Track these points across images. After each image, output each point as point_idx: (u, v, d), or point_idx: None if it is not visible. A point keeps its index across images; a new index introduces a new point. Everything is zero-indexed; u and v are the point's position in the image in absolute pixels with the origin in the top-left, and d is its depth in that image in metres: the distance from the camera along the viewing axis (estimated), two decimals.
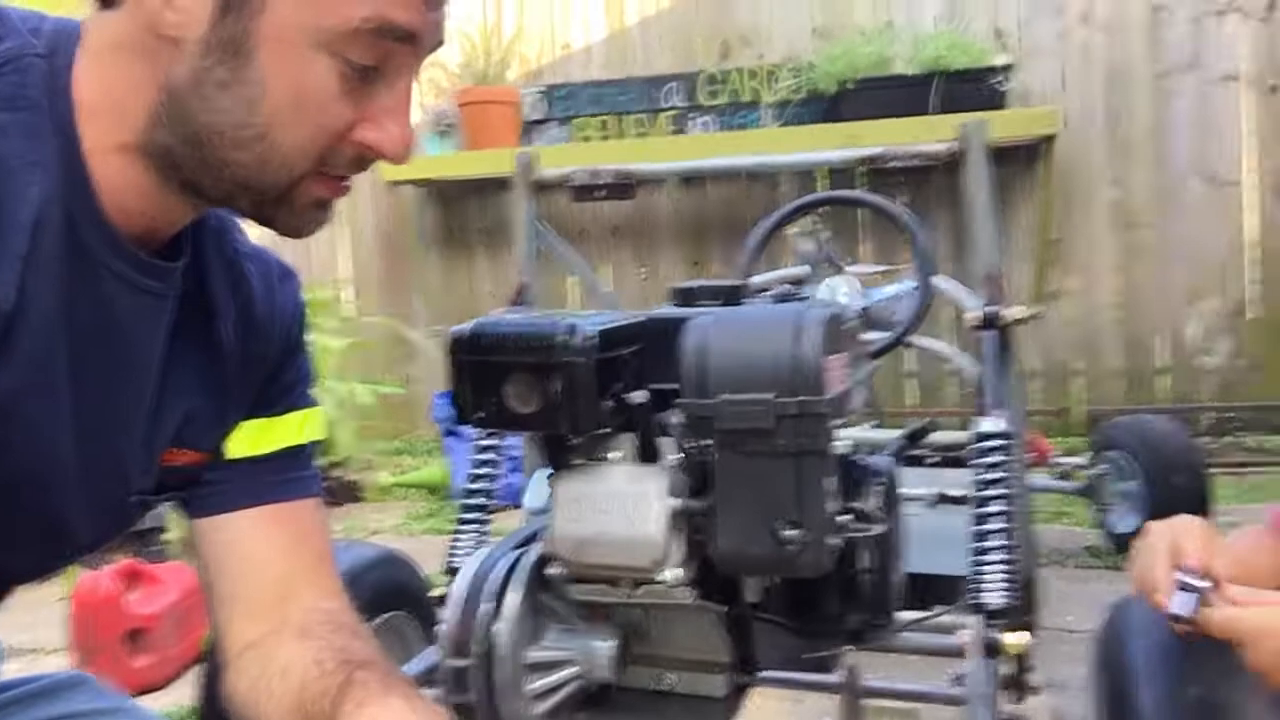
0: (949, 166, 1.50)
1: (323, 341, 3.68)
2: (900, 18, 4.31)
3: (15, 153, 0.69)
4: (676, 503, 0.91)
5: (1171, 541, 1.03)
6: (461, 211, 4.83)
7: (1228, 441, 3.92)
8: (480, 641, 0.96)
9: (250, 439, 0.88)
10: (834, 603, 1.01)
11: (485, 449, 1.39)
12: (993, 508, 1.18)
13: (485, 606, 0.98)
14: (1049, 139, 4.00)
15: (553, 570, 0.96)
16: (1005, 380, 1.28)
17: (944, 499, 2.38)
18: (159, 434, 0.82)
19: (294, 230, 0.77)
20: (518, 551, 1.02)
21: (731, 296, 1.08)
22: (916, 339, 2.74)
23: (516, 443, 2.08)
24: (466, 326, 0.93)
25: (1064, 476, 2.77)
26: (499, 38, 4.67)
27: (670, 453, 0.94)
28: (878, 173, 1.74)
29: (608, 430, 0.95)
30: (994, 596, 1.13)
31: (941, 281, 2.10)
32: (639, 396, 0.92)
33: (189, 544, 0.90)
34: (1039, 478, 2.79)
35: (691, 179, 4.44)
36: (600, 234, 4.68)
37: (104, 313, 0.75)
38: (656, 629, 1.02)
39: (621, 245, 4.69)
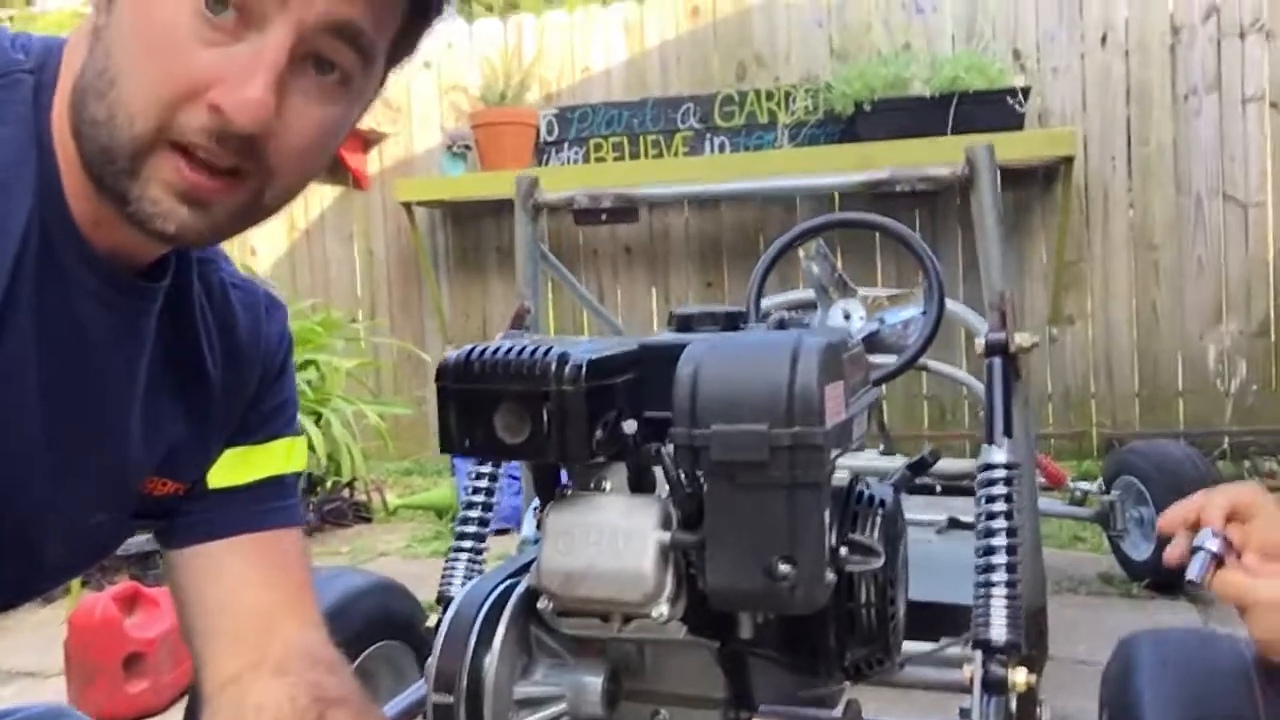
0: (964, 188, 1.48)
1: (333, 361, 3.68)
2: (918, 40, 4.30)
3: (4, 166, 0.69)
4: (668, 536, 0.88)
5: (1207, 500, 1.02)
6: (476, 233, 4.84)
7: (1247, 466, 3.86)
8: (467, 676, 0.94)
9: (232, 468, 0.86)
10: (832, 638, 0.98)
11: (481, 475, 1.37)
12: (997, 540, 1.15)
13: (473, 640, 0.95)
14: (1067, 160, 3.97)
15: (542, 604, 0.94)
16: (1012, 408, 1.25)
17: (954, 524, 2.35)
18: (141, 463, 0.81)
19: (146, 216, 0.69)
20: (509, 582, 1.00)
21: (731, 323, 1.06)
22: (930, 362, 2.72)
23: (517, 464, 2.06)
24: (454, 354, 0.92)
25: (1078, 502, 2.73)
26: (519, 60, 4.69)
27: (663, 483, 0.91)
28: (890, 194, 1.71)
29: (599, 460, 0.93)
30: (998, 632, 1.09)
31: (952, 305, 2.07)
32: (630, 426, 0.90)
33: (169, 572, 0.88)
34: (1052, 503, 2.75)
35: (706, 199, 4.43)
36: (613, 253, 4.68)
37: (78, 331, 0.74)
38: (649, 664, 0.99)
39: (635, 265, 4.68)
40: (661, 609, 0.89)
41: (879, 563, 0.98)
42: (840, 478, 1.00)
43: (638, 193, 1.70)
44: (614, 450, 0.92)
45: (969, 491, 1.38)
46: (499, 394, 0.89)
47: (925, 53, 4.19)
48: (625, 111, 4.65)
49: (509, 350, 0.92)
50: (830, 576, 0.88)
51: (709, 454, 0.85)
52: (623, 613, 0.91)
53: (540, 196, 1.72)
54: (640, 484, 0.94)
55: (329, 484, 3.66)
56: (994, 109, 3.93)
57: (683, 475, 0.89)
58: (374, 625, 1.33)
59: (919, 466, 1.13)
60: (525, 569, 1.02)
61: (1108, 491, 2.66)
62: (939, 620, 1.51)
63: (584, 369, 0.88)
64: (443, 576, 1.34)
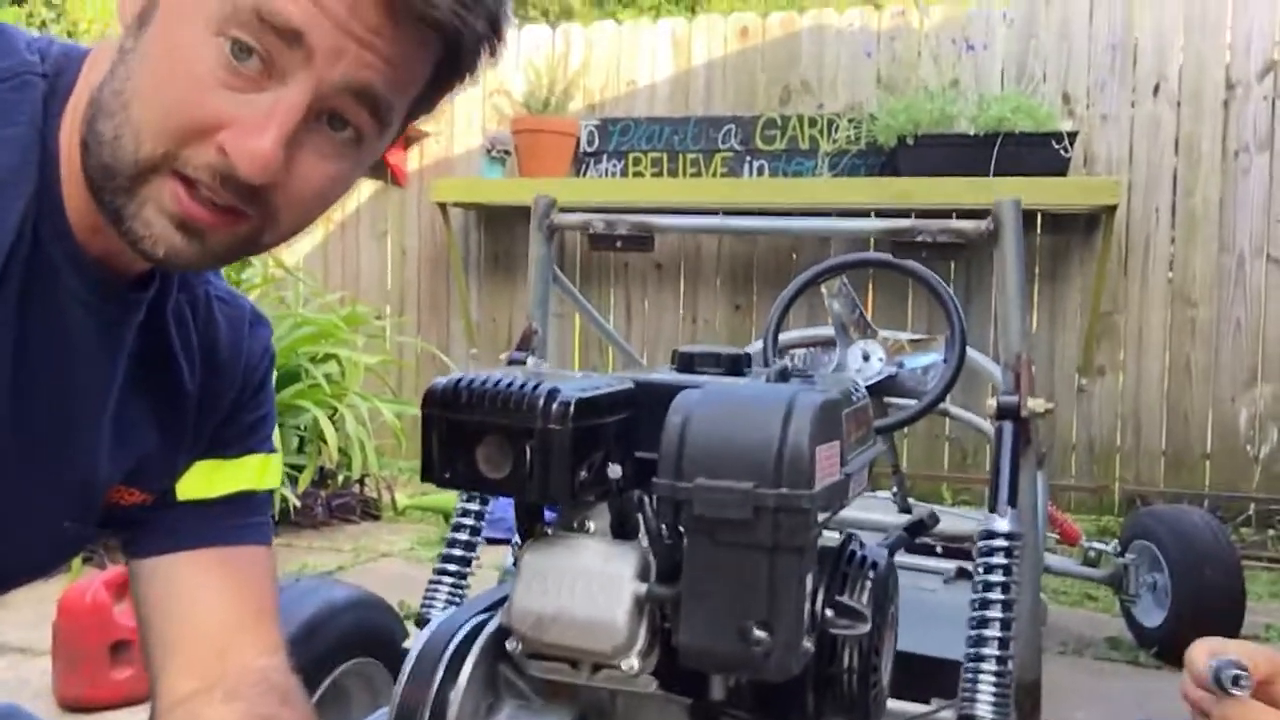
0: (989, 243, 1.44)
1: (353, 357, 3.68)
2: (967, 77, 4.25)
3: (5, 166, 0.68)
4: (644, 588, 0.86)
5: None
6: (509, 238, 4.83)
7: (1271, 534, 3.78)
8: (430, 710, 0.91)
9: (202, 481, 0.85)
10: (810, 703, 0.95)
11: (470, 501, 1.35)
12: (992, 612, 1.11)
13: (440, 673, 0.93)
14: (1109, 209, 3.91)
15: (511, 644, 0.91)
16: (1020, 476, 1.21)
17: (962, 574, 2.30)
18: (109, 471, 0.79)
19: (137, 237, 0.69)
20: (484, 616, 0.97)
21: (734, 366, 1.03)
22: (951, 408, 2.67)
23: None
24: (443, 381, 0.89)
25: (1091, 562, 2.67)
26: (565, 69, 4.69)
27: (645, 530, 0.89)
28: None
29: (583, 500, 0.90)
30: (984, 709, 1.06)
31: (974, 355, 2.03)
32: (615, 471, 0.87)
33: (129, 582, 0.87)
34: (1065, 561, 2.69)
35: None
36: (644, 270, 4.65)
37: (60, 335, 0.73)
38: (619, 712, 0.96)
39: (665, 283, 4.66)
40: (632, 661, 0.87)
41: (866, 628, 0.94)
42: (832, 536, 0.97)
43: (654, 222, 1.68)
44: (598, 492, 0.90)
45: (969, 555, 1.35)
46: (483, 426, 0.86)
47: (973, 90, 4.15)
48: (667, 127, 4.63)
49: (498, 382, 0.89)
50: (808, 645, 0.85)
51: (691, 508, 0.82)
52: (593, 661, 0.89)
53: (556, 218, 1.70)
54: (624, 527, 0.91)
55: (340, 479, 3.66)
56: (1039, 152, 3.88)
57: (664, 527, 0.86)
58: (351, 641, 1.31)
59: (917, 529, 1.10)
60: (501, 603, 1.00)
61: (1123, 554, 2.60)
62: (932, 676, 1.47)
63: (572, 407, 0.85)
64: (424, 597, 1.31)
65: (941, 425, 4.21)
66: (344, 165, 0.73)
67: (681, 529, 0.85)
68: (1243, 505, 3.92)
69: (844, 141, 4.34)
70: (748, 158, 4.55)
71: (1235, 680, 0.84)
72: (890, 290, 4.28)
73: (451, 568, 1.32)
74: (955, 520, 2.17)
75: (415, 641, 0.97)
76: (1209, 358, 4.07)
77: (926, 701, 1.45)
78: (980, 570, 1.16)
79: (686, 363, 1.04)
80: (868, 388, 1.23)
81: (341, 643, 1.30)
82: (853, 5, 4.71)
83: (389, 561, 3.21)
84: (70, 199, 0.72)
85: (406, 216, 4.98)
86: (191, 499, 0.84)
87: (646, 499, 0.88)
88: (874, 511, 2.30)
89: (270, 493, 0.90)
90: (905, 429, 3.61)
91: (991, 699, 1.07)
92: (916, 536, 1.07)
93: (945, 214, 3.95)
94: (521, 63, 4.72)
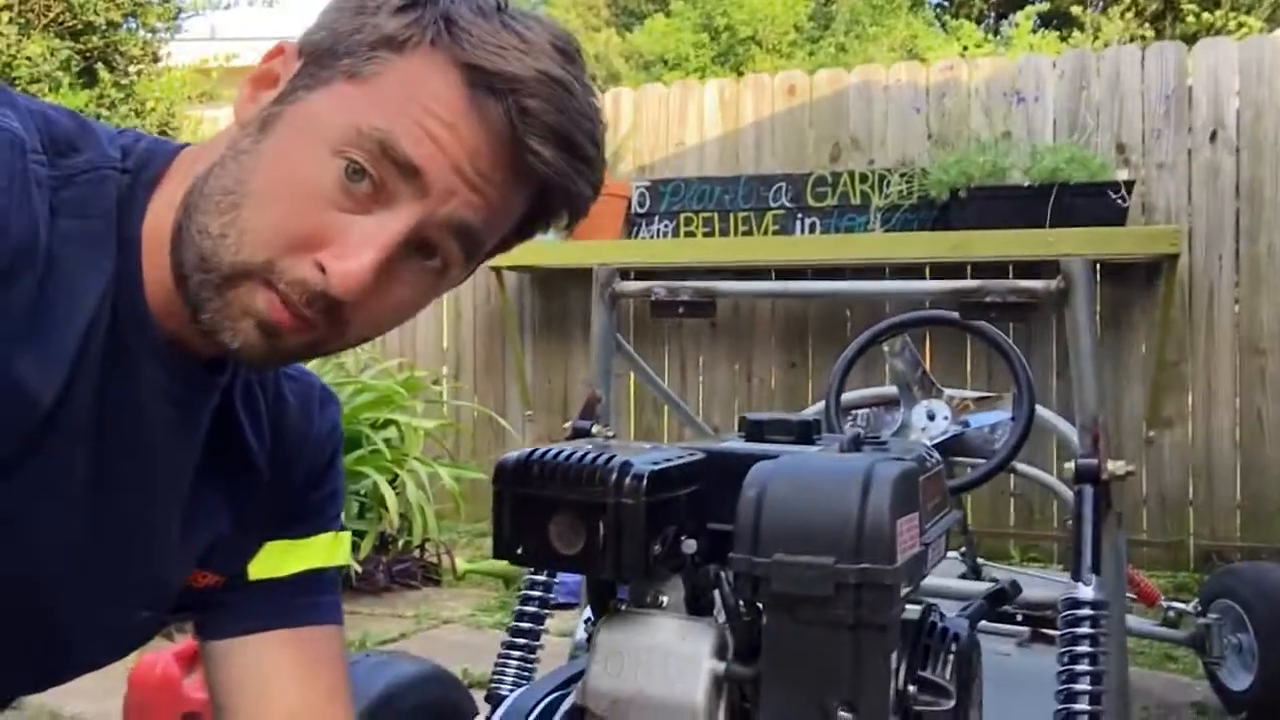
0: (1058, 302, 1.41)
1: (413, 423, 3.71)
2: (1018, 129, 4.23)
3: (77, 258, 0.70)
4: (722, 667, 0.84)
5: None
6: (563, 300, 4.86)
7: None
8: None
9: (273, 561, 0.85)
10: None
11: (536, 576, 1.34)
12: (1079, 685, 1.07)
13: None
14: (1171, 258, 3.84)
15: None
16: (1103, 540, 1.17)
17: (1037, 638, 2.24)
18: (186, 556, 0.79)
19: (218, 328, 0.71)
20: (556, 695, 0.96)
21: (804, 433, 1.02)
22: (1018, 465, 2.61)
23: None
24: (513, 455, 0.89)
25: (1171, 623, 2.58)
26: (615, 132, 4.74)
27: (722, 607, 0.87)
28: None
29: (657, 575, 0.88)
30: None
31: (1043, 412, 1.99)
32: (690, 546, 0.86)
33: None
34: (1143, 622, 2.61)
35: (793, 279, 4.39)
36: (697, 329, 4.65)
37: (135, 420, 0.74)
38: None
39: (719, 341, 4.65)
40: None
41: (950, 704, 0.91)
42: (912, 608, 0.95)
43: (717, 287, 1.67)
44: (672, 566, 0.88)
45: (1052, 622, 1.30)
46: (555, 501, 0.86)
47: (1025, 142, 4.13)
48: (718, 187, 4.65)
49: (569, 455, 0.88)
50: None
51: (769, 584, 0.80)
52: None
53: (618, 286, 1.70)
54: (698, 602, 0.90)
55: (400, 544, 3.66)
56: (1095, 202, 3.83)
57: (741, 603, 0.84)
58: (423, 717, 1.30)
59: (998, 598, 1.07)
60: (573, 680, 0.98)
61: (1204, 614, 2.52)
62: None
63: (645, 481, 0.84)
64: (493, 673, 1.30)
65: (1007, 482, 4.13)
66: (423, 293, 0.76)
67: (759, 605, 0.83)
68: None
69: (896, 196, 4.32)
70: (799, 215, 4.55)
71: None
72: (949, 347, 4.23)
73: (520, 641, 1.31)
74: (1034, 585, 2.11)
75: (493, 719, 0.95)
76: None
77: None
78: (1066, 640, 1.12)
79: (756, 431, 1.02)
80: (934, 448, 1.21)
81: (414, 718, 1.28)
82: (898, 60, 4.72)
83: (450, 628, 3.20)
84: (150, 283, 0.73)
85: None
86: (263, 579, 0.84)
87: (722, 574, 0.87)
88: (943, 573, 2.25)
89: (340, 570, 0.90)
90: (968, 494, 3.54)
91: None
92: (998, 606, 1.04)
93: (1001, 266, 3.92)
94: None
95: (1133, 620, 2.58)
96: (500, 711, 0.95)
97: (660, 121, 4.87)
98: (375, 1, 0.71)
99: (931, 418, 1.96)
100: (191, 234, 0.69)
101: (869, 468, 0.83)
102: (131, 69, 5.06)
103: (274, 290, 0.69)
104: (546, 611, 1.32)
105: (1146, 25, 10.47)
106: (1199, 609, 2.54)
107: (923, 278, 4.11)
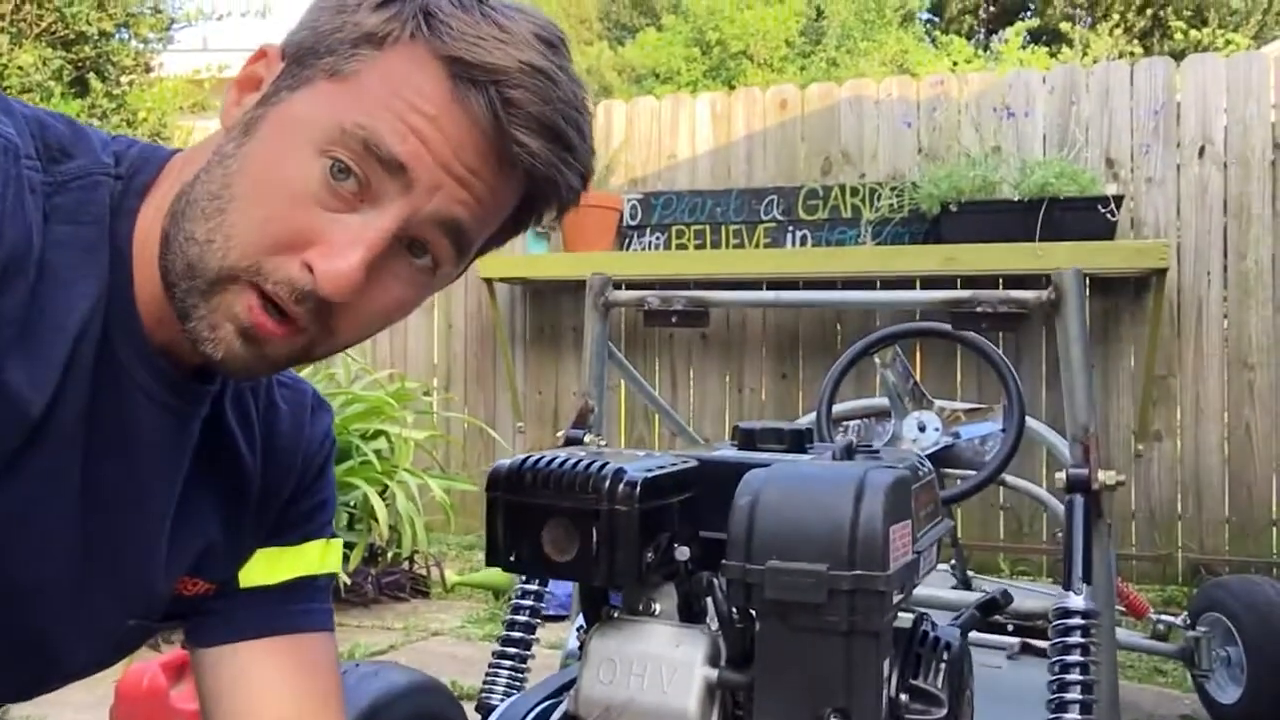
0: (1049, 313, 1.42)
1: (403, 434, 3.70)
2: (1008, 144, 4.25)
3: (69, 264, 0.69)
4: (715, 673, 0.84)
5: None
6: (554, 311, 4.86)
7: None
8: None
9: (264, 568, 0.84)
10: None
11: (528, 584, 1.33)
12: (1070, 694, 1.07)
13: None
14: (1160, 272, 3.86)
15: None
16: (1093, 550, 1.18)
17: (1027, 650, 2.24)
18: (176, 563, 0.79)
19: (201, 337, 0.70)
20: (547, 704, 0.96)
21: (796, 442, 1.02)
22: (1008, 477, 2.62)
23: None
24: (507, 463, 0.89)
25: (1160, 636, 2.58)
26: (607, 144, 4.75)
27: (715, 613, 0.87)
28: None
29: (650, 582, 0.88)
30: None
31: (1033, 424, 2.00)
32: (683, 553, 0.86)
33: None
34: (1133, 635, 2.61)
35: (784, 290, 4.41)
36: (689, 339, 4.66)
37: (126, 429, 0.73)
38: None
39: (709, 353, 4.66)
40: None
41: (942, 713, 0.91)
42: (904, 617, 0.95)
43: (710, 297, 1.67)
44: (665, 573, 0.88)
45: (1042, 633, 1.31)
46: (549, 509, 0.86)
47: (1015, 157, 4.15)
48: (709, 199, 4.67)
49: (562, 463, 0.88)
50: None
51: (762, 591, 0.80)
52: None
53: (612, 295, 1.70)
54: (691, 609, 0.90)
55: (389, 556, 3.65)
56: (1084, 216, 3.86)
57: (734, 610, 0.84)
58: None
59: (989, 607, 1.07)
60: (565, 688, 0.98)
61: (1193, 627, 2.52)
62: None
63: (638, 488, 0.84)
64: (484, 683, 1.29)
65: (996, 495, 4.14)
66: (415, 291, 0.75)
67: (752, 612, 0.83)
68: None
69: (887, 210, 4.34)
70: (790, 228, 4.56)
71: None
72: (939, 358, 4.25)
73: (511, 651, 1.30)
74: (1025, 596, 2.11)
75: None
76: (1270, 421, 3.98)
77: None
78: (1057, 650, 1.12)
79: (748, 439, 1.02)
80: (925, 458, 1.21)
81: None
82: (889, 75, 4.74)
83: (440, 640, 3.18)
84: (141, 291, 0.73)
85: (453, 292, 5.03)
86: (253, 586, 0.84)
87: (715, 581, 0.87)
88: (933, 585, 2.25)
89: (331, 577, 0.89)
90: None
91: None
92: (989, 616, 1.04)
93: (992, 279, 3.93)
94: None
95: (1122, 633, 2.58)
96: (492, 719, 0.95)
97: (652, 134, 4.88)
98: None
99: (922, 429, 1.97)
100: (179, 241, 0.69)
101: (862, 475, 0.84)
102: (123, 79, 5.06)
103: (260, 293, 0.69)
104: (538, 621, 1.32)
105: (1135, 42, 10.55)
106: (1188, 622, 2.55)
107: (913, 291, 4.13)
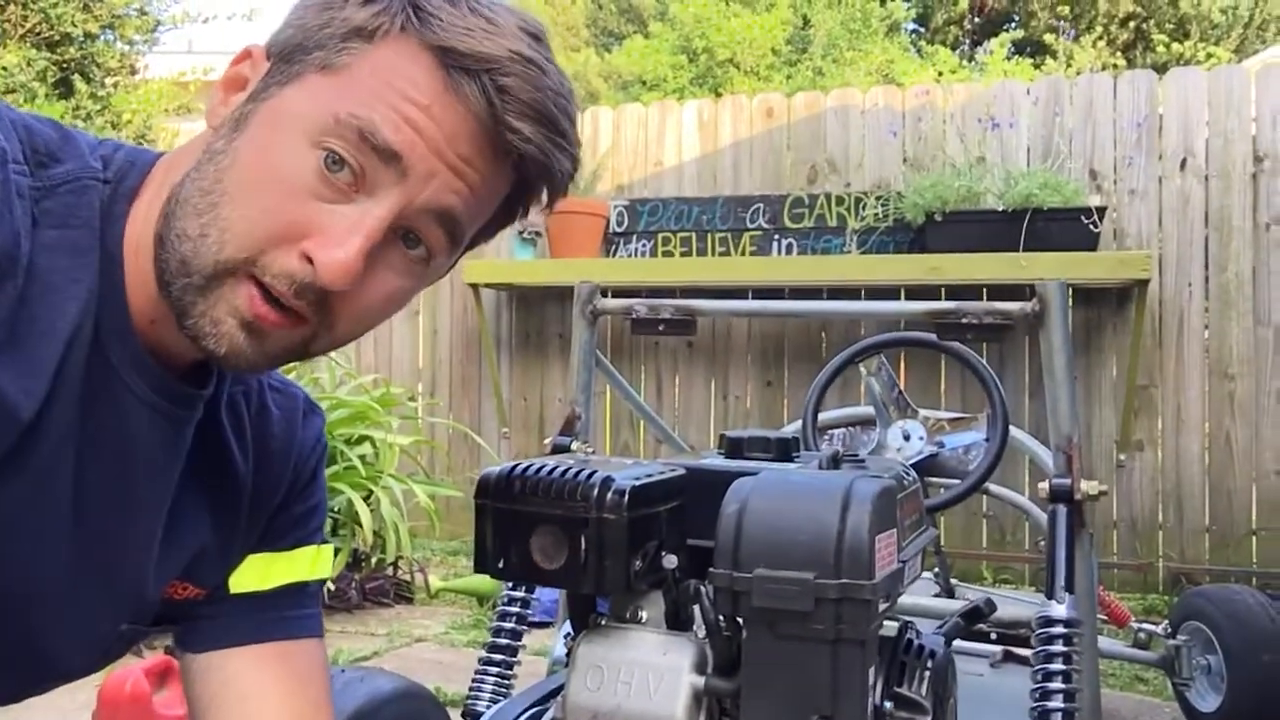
0: (1032, 325, 1.43)
1: (388, 439, 3.69)
2: (993, 154, 4.28)
3: (59, 268, 0.69)
4: (702, 681, 0.84)
5: None
6: (540, 317, 4.86)
7: None
8: None
9: (255, 574, 0.84)
10: None
11: (515, 591, 1.34)
12: (1053, 702, 1.08)
13: None
14: (1141, 283, 3.89)
15: None
16: (1076, 560, 1.19)
17: (1009, 658, 2.25)
18: (166, 568, 0.79)
19: (202, 333, 0.70)
20: (534, 710, 0.96)
21: (783, 451, 1.03)
22: (991, 486, 2.63)
23: None
24: (495, 470, 0.89)
25: (1141, 644, 2.60)
26: (593, 151, 4.76)
27: (702, 621, 0.87)
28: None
29: (637, 590, 0.89)
30: None
31: (1017, 433, 2.01)
32: (670, 561, 0.86)
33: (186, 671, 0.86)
34: (1114, 643, 2.63)
35: (770, 299, 4.42)
36: (675, 347, 4.67)
37: (119, 434, 0.73)
38: None
39: (695, 360, 4.67)
40: None
41: None
42: (889, 625, 0.95)
43: (697, 306, 1.68)
44: (652, 581, 0.89)
45: (1025, 641, 1.31)
46: (538, 516, 0.86)
47: (999, 167, 4.17)
48: (695, 207, 4.68)
49: (551, 470, 0.89)
50: None
51: (750, 599, 0.81)
52: None
53: (599, 303, 1.70)
54: (678, 617, 0.90)
55: (373, 561, 3.64)
56: (1068, 227, 3.89)
57: (721, 618, 0.84)
58: None
59: (973, 616, 1.08)
60: (552, 695, 0.98)
61: (1174, 635, 2.54)
62: None
63: (626, 496, 0.85)
64: (470, 689, 1.29)
65: (979, 504, 4.16)
66: (410, 281, 0.75)
67: (739, 620, 0.83)
68: None
69: (872, 219, 4.36)
70: (776, 236, 4.58)
71: None
72: (924, 368, 4.27)
73: (498, 657, 1.30)
74: (1008, 605, 2.13)
75: None
76: (1249, 431, 4.02)
77: None
78: (1040, 658, 1.13)
79: (735, 448, 1.03)
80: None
81: None
82: (875, 84, 4.77)
83: (423, 646, 3.17)
84: (133, 295, 0.73)
85: (438, 297, 5.02)
86: (244, 591, 0.84)
87: (702, 589, 0.87)
88: (917, 593, 2.26)
89: (322, 583, 0.90)
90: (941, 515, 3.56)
91: None
92: (973, 624, 1.05)
93: (976, 289, 3.95)
94: None
95: (1103, 641, 2.60)
96: None
97: (639, 141, 4.89)
98: None
99: (907, 438, 1.98)
100: (172, 240, 0.69)
101: (848, 485, 0.84)
102: (108, 81, 5.04)
103: (258, 285, 0.69)
104: (524, 628, 1.32)
105: (1118, 54, 10.64)
106: (1169, 631, 2.57)
107: (898, 300, 4.15)
